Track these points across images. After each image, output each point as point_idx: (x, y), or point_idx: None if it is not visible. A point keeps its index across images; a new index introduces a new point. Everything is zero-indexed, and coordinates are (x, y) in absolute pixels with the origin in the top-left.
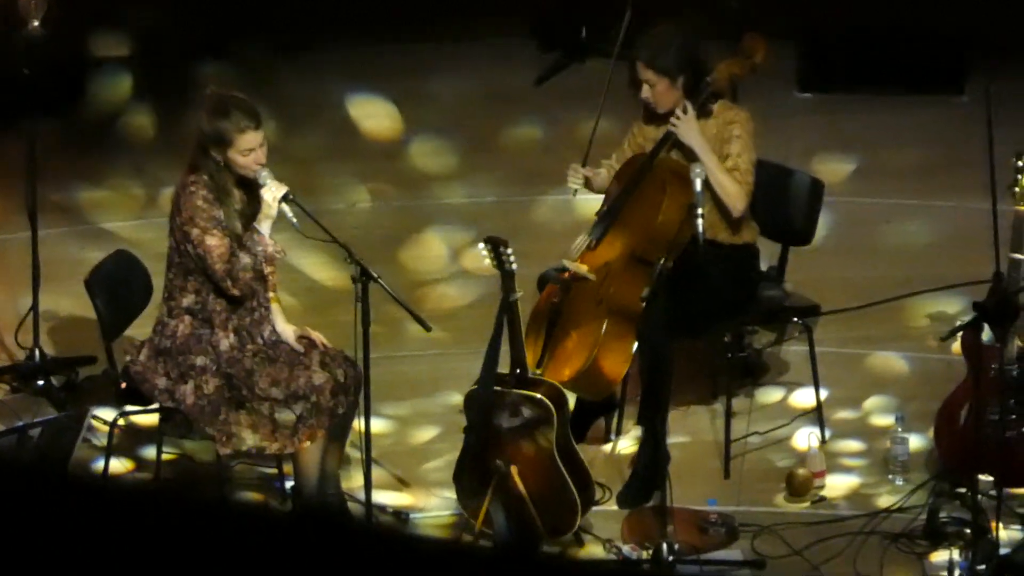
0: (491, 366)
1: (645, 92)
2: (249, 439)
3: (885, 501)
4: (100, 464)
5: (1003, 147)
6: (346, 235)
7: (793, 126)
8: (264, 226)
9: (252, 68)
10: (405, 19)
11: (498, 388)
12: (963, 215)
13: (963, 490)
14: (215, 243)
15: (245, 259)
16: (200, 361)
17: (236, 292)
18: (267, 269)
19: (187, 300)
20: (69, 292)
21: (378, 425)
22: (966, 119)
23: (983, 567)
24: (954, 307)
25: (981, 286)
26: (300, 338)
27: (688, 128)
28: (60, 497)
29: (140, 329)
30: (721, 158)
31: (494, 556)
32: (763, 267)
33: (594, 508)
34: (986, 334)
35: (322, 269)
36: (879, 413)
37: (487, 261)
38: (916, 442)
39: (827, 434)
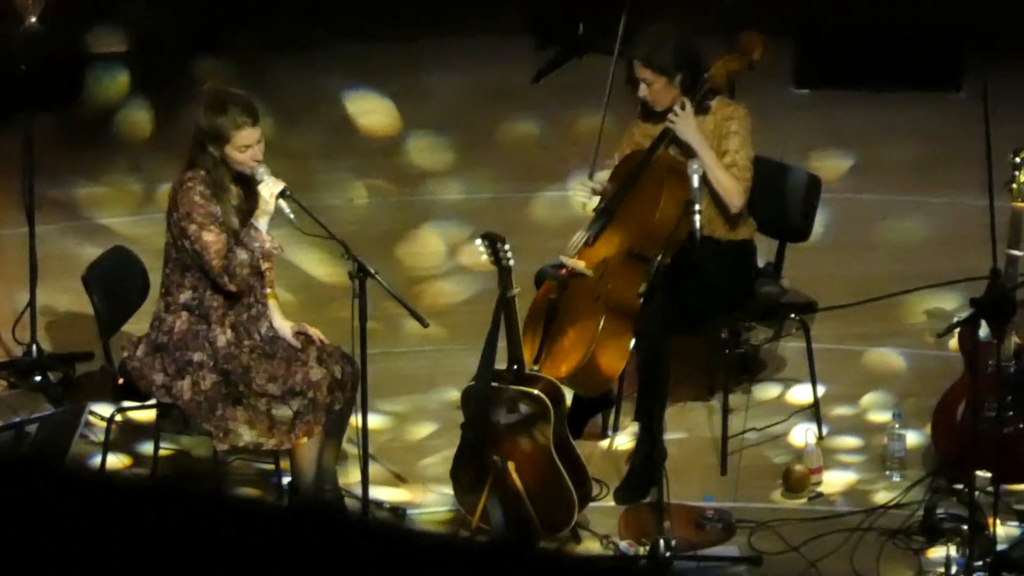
0: (488, 362)
1: (642, 91)
2: (246, 435)
3: (882, 497)
4: (97, 460)
5: (1000, 144)
6: (343, 231)
7: (790, 122)
8: (261, 222)
9: (249, 64)
10: (402, 15)
11: (495, 384)
12: (960, 211)
13: (960, 486)
14: (212, 239)
15: (242, 255)
16: (197, 357)
17: (233, 288)
18: (264, 265)
19: (184, 296)
20: (66, 288)
21: (375, 421)
22: (963, 116)
23: (980, 563)
24: (951, 303)
25: (978, 282)
26: (297, 334)
27: (686, 124)
28: (57, 493)
29: (137, 325)
30: (719, 154)
31: (491, 551)
32: (760, 263)
33: (591, 504)
34: (983, 330)
35: (319, 265)
36: (876, 409)
37: (484, 257)
38: (913, 438)
39: (824, 430)
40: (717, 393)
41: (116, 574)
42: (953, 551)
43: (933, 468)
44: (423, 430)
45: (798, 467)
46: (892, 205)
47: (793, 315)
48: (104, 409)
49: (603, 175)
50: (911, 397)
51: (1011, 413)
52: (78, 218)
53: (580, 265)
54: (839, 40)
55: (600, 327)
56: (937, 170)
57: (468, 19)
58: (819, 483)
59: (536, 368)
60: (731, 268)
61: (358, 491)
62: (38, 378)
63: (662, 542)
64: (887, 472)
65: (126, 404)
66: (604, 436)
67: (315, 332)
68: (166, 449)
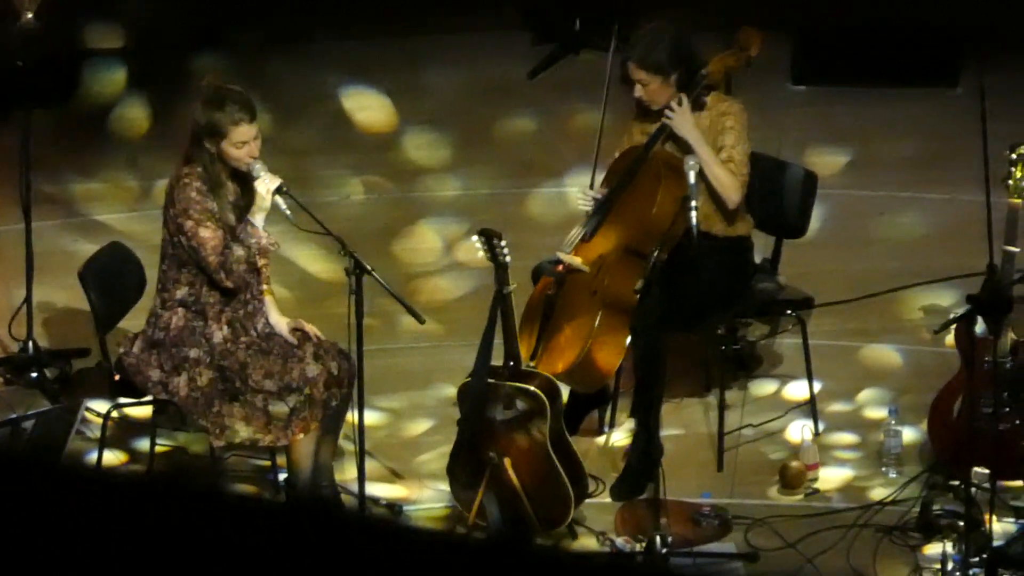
0: (485, 359)
1: (638, 91)
2: (243, 431)
3: (878, 494)
4: (93, 456)
5: (997, 140)
6: (340, 227)
7: (787, 119)
8: (258, 218)
9: (246, 60)
10: (399, 11)
11: (492, 380)
12: (957, 208)
13: (956, 483)
14: (209, 235)
15: (239, 251)
16: (194, 353)
17: (230, 284)
18: (261, 261)
19: (181, 292)
20: (63, 284)
21: (371, 417)
22: (960, 112)
23: (976, 559)
24: (948, 300)
25: (975, 279)
26: (294, 330)
27: (682, 120)
28: (53, 490)
29: (134, 321)
30: (715, 150)
31: (487, 548)
32: (757, 260)
33: (587, 500)
34: (980, 327)
35: (316, 261)
36: (873, 406)
37: (481, 253)
38: (910, 435)
39: (820, 427)
40: (713, 389)
41: (113, 571)
42: (949, 547)
43: (929, 464)
44: (419, 426)
45: (794, 463)
46: (889, 201)
47: (790, 311)
48: (100, 405)
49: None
50: (908, 393)
51: (1007, 409)
52: (75, 214)
53: (577, 261)
54: (836, 36)
55: (597, 323)
56: (934, 166)
57: (465, 15)
58: (815, 479)
59: (532, 364)
60: (728, 264)
61: (355, 487)
62: (34, 374)
63: (658, 538)
64: (883, 468)
65: (122, 400)
66: (600, 432)
67: (311, 328)
68: (162, 445)
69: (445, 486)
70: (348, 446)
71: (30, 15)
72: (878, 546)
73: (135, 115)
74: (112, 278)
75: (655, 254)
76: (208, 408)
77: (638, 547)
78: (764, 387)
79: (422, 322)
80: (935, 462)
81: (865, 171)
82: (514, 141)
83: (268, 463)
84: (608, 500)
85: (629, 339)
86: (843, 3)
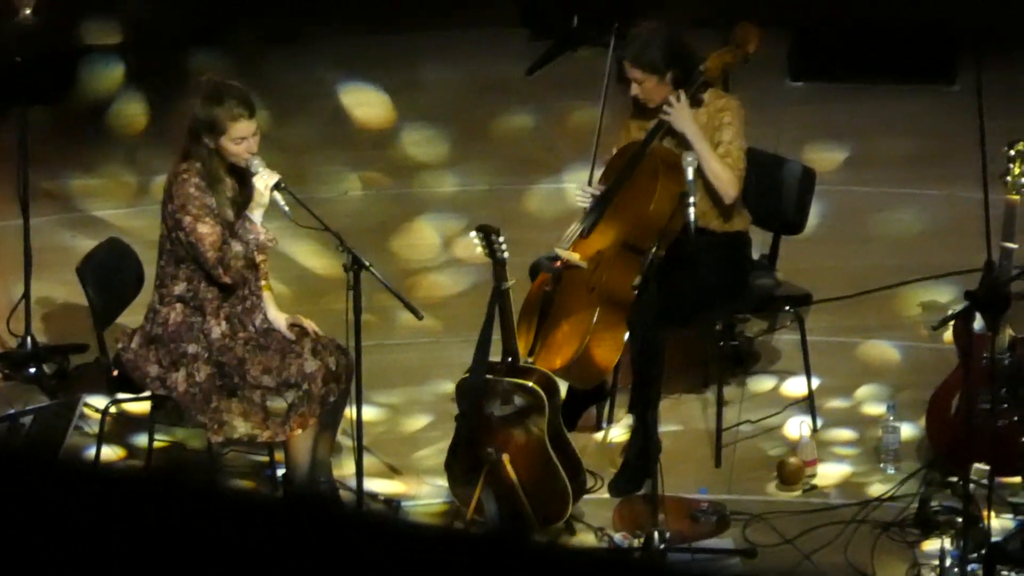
0: (483, 354)
1: (634, 89)
2: (240, 427)
3: (876, 490)
4: (91, 452)
5: (994, 136)
6: (338, 223)
7: (785, 115)
8: (256, 214)
9: (244, 56)
10: (397, 7)
11: (490, 376)
12: (955, 204)
13: (954, 479)
14: (207, 231)
15: (237, 247)
16: (192, 349)
17: (228, 280)
18: (259, 257)
19: (179, 288)
20: (61, 280)
21: (370, 413)
22: (958, 108)
23: (974, 556)
24: (946, 296)
25: (973, 275)
26: (292, 326)
27: (681, 115)
28: (51, 485)
29: (132, 317)
30: (713, 145)
31: (486, 544)
32: (755, 256)
33: (585, 496)
34: (978, 323)
35: (314, 257)
36: (871, 402)
37: (479, 249)
38: (908, 431)
39: (819, 423)
40: (711, 385)
41: (111, 567)
42: (947, 544)
43: (927, 461)
44: (418, 422)
45: (792, 460)
46: (887, 198)
47: (788, 307)
48: (98, 401)
49: None
50: (906, 390)
51: (1005, 405)
52: (73, 210)
53: (575, 257)
54: (834, 33)
55: (595, 319)
56: (932, 163)
57: (463, 12)
58: (813, 476)
59: (531, 360)
60: (725, 260)
61: (353, 483)
62: (32, 370)
63: (656, 534)
64: (881, 465)
65: (120, 396)
66: (598, 428)
67: (309, 324)
68: (160, 441)
69: (443, 482)
70: (346, 442)
71: (28, 11)
72: (876, 542)
73: (133, 111)
74: (110, 274)
75: (653, 250)
76: (206, 404)
77: (636, 543)
78: (762, 383)
79: (420, 318)
80: (933, 458)
81: (863, 167)
82: (512, 137)
83: (266, 459)
84: (606, 496)
85: (627, 335)
86: (841, 0)
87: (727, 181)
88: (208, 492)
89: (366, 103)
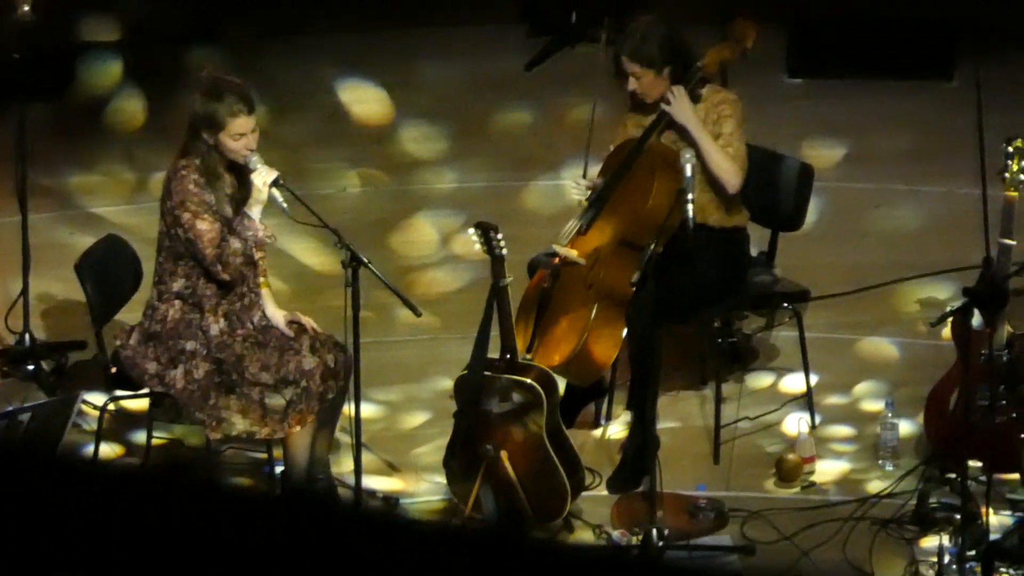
0: (481, 351)
1: (632, 84)
2: (239, 424)
3: (875, 486)
4: (90, 449)
5: (992, 133)
6: (336, 220)
7: (783, 111)
8: (254, 211)
9: (242, 52)
10: (395, 4)
11: (488, 373)
12: (953, 200)
13: (953, 475)
14: (206, 227)
15: (235, 244)
16: (190, 346)
17: (226, 277)
18: (257, 254)
19: (177, 285)
20: (59, 277)
21: (368, 410)
22: (956, 105)
23: (973, 552)
24: (944, 292)
25: (971, 271)
26: (290, 323)
27: (681, 107)
28: (50, 482)
29: (130, 314)
30: (713, 138)
31: (484, 540)
32: (753, 253)
33: (584, 493)
34: (976, 319)
35: (312, 254)
36: (869, 398)
37: (477, 246)
38: (906, 427)
39: (817, 419)
40: (710, 382)
41: (110, 563)
42: (946, 540)
43: (926, 457)
44: (416, 419)
45: (791, 456)
46: (885, 194)
47: (786, 304)
48: (97, 398)
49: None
50: (904, 386)
51: (1003, 402)
52: (71, 207)
53: (573, 254)
54: (832, 29)
55: (593, 316)
56: (930, 159)
57: (461, 8)
58: (812, 472)
59: (529, 357)
60: (724, 256)
61: (351, 480)
62: (31, 367)
63: (655, 531)
64: (880, 461)
65: (119, 393)
66: (597, 425)
67: (308, 321)
68: (159, 438)
69: (441, 479)
70: (344, 439)
71: (26, 7)
72: (874, 539)
73: (131, 108)
74: (108, 271)
75: (651, 247)
76: (204, 401)
77: (634, 540)
78: (760, 380)
79: (418, 315)
80: (931, 455)
81: (861, 164)
82: (510, 134)
83: (264, 456)
84: (604, 493)
85: (625, 331)
86: None
87: (730, 171)
88: (206, 489)
89: (364, 100)
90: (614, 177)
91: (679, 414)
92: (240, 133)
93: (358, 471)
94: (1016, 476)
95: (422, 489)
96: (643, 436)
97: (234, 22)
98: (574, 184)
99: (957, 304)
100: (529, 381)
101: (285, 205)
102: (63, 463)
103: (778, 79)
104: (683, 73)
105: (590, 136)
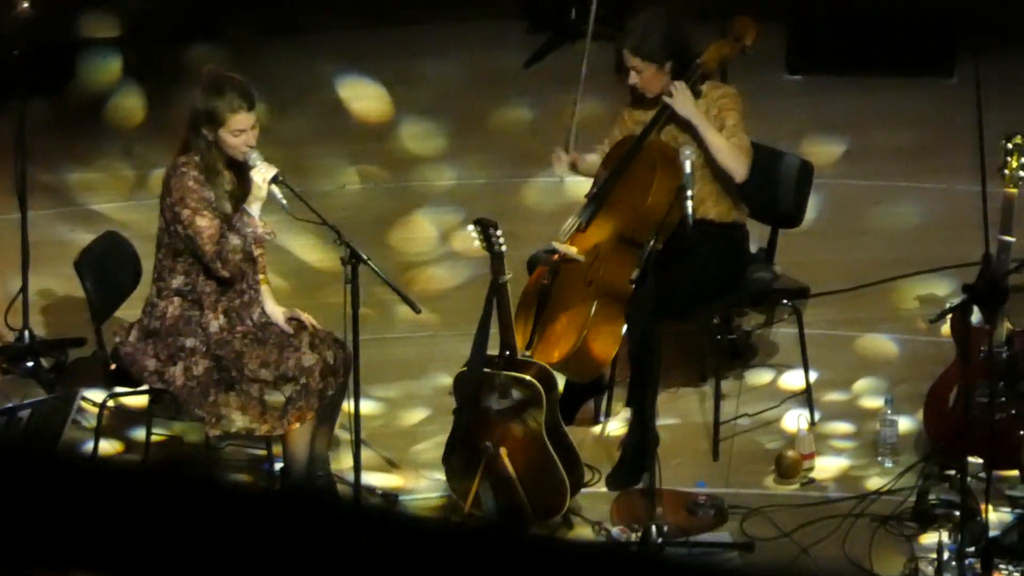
0: (480, 348)
1: (633, 78)
2: (238, 421)
3: (874, 483)
4: (89, 446)
5: (992, 129)
6: (335, 217)
7: (782, 108)
8: (254, 207)
9: (242, 49)
10: (396, 1)
11: (487, 370)
12: (953, 197)
13: (952, 472)
14: (205, 224)
15: (235, 240)
16: (190, 343)
17: (226, 273)
18: (257, 251)
19: (177, 281)
20: (59, 274)
21: (367, 407)
22: (956, 101)
23: (972, 549)
24: (944, 289)
25: (970, 268)
26: (290, 320)
27: (684, 101)
28: (49, 479)
29: (130, 310)
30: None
31: (483, 537)
32: (753, 249)
33: (583, 490)
34: (975, 316)
35: (311, 251)
36: (868, 395)
37: (477, 243)
38: (905, 424)
39: (816, 416)
40: (709, 379)
41: (109, 561)
42: (945, 537)
43: (925, 454)
44: (415, 416)
45: (790, 453)
46: (885, 191)
47: (785, 301)
48: (96, 395)
49: (593, 158)
50: (903, 383)
51: (1003, 399)
52: (71, 203)
53: (572, 251)
54: (832, 26)
55: (592, 313)
56: (930, 156)
57: (461, 4)
58: (811, 469)
59: (528, 354)
60: (723, 251)
61: (350, 477)
62: (30, 364)
63: (654, 528)
64: (879, 458)
65: (118, 390)
66: (596, 422)
67: (307, 318)
68: (158, 435)
69: (441, 475)
70: (344, 435)
71: (26, 4)
72: (874, 536)
73: (130, 104)
74: (108, 267)
75: (650, 243)
76: (204, 397)
77: (634, 537)
78: (760, 376)
79: (418, 311)
80: (931, 452)
81: (861, 161)
82: (510, 130)
83: (264, 452)
84: (604, 490)
85: (625, 328)
86: None
87: (737, 160)
88: (206, 486)
89: (364, 96)
90: (613, 174)
91: (679, 411)
92: (240, 129)
93: (357, 468)
94: (1015, 473)
95: (421, 486)
96: (643, 433)
97: (234, 19)
98: (555, 158)
99: (957, 301)
100: (528, 378)
101: (285, 202)
102: (62, 460)
103: (778, 76)
104: (684, 68)
105: (575, 111)
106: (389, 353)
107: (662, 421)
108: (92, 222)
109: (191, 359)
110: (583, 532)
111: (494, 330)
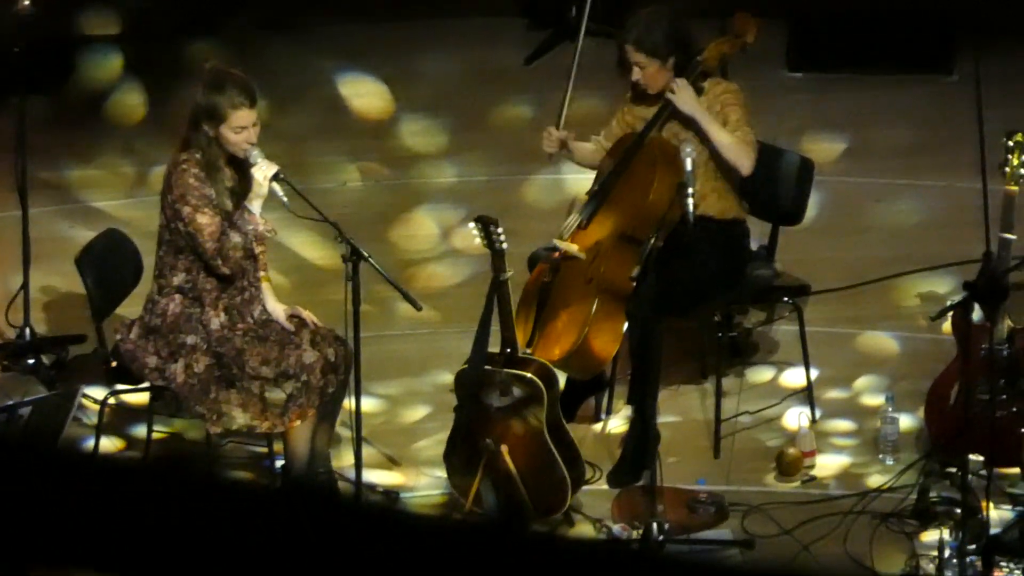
0: (481, 345)
1: (635, 74)
2: (239, 418)
3: (875, 481)
4: (90, 443)
5: (993, 126)
6: (336, 214)
7: (783, 106)
8: (254, 205)
9: (242, 46)
10: None
11: (488, 367)
12: (953, 195)
13: (953, 470)
14: (206, 221)
15: (236, 238)
16: (190, 340)
17: (226, 270)
18: (257, 248)
19: (178, 279)
20: (60, 271)
21: (368, 404)
22: (956, 98)
23: (973, 546)
24: (944, 287)
25: (971, 266)
26: (290, 317)
27: (685, 97)
28: (50, 476)
29: (130, 308)
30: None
31: (484, 534)
32: (753, 247)
33: (584, 487)
34: (976, 314)
35: (312, 248)
36: (869, 393)
37: (477, 240)
38: (906, 422)
39: (817, 414)
40: (710, 376)
41: (109, 558)
42: (946, 534)
43: (926, 451)
44: (416, 413)
45: (791, 450)
46: (885, 188)
47: (786, 298)
48: (97, 392)
49: (586, 146)
50: (904, 380)
51: (1004, 396)
52: (71, 201)
53: (573, 248)
54: (832, 23)
55: (593, 310)
56: (930, 153)
57: (461, 1)
58: (812, 466)
59: (529, 351)
60: (723, 248)
61: (351, 474)
62: (31, 361)
63: (655, 525)
64: (880, 455)
65: (119, 387)
66: (597, 419)
67: (308, 315)
68: (159, 432)
69: (442, 473)
70: (345, 433)
71: (26, 1)
72: (875, 533)
73: (131, 101)
74: (109, 265)
75: (651, 241)
76: (205, 395)
77: (635, 534)
78: (761, 374)
79: (419, 309)
80: (931, 449)
81: (861, 158)
82: (510, 127)
83: (265, 450)
84: (605, 487)
85: (625, 326)
86: None
87: (741, 153)
88: (206, 483)
89: (364, 93)
90: (614, 171)
91: (679, 408)
92: (241, 126)
93: (358, 465)
94: (1016, 470)
95: (422, 483)
96: (643, 430)
97: (233, 15)
98: (546, 135)
99: (957, 298)
100: (529, 375)
101: (285, 199)
102: (63, 457)
103: (778, 73)
104: (686, 64)
105: (569, 86)
106: (390, 350)
107: (663, 418)
108: (93, 219)
109: (192, 356)
110: (584, 529)
111: (495, 327)
